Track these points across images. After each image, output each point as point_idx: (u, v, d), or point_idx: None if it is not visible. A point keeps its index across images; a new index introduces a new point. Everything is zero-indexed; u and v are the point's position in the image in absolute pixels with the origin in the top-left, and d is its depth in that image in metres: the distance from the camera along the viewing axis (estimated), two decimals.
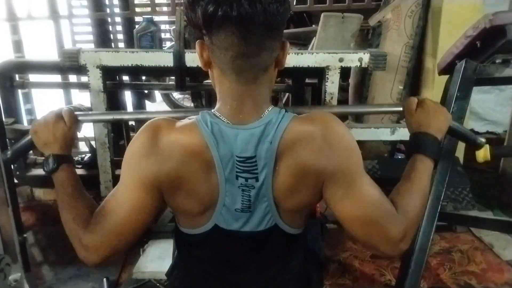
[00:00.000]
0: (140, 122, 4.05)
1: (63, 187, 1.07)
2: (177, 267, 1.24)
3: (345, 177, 0.93)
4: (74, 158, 1.20)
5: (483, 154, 1.43)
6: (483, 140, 1.34)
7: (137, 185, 0.93)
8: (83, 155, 2.86)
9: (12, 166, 1.93)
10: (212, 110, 0.95)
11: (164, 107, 4.60)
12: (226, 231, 1.00)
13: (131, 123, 3.71)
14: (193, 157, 0.91)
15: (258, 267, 1.09)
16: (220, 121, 0.92)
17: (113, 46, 4.16)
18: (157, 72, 2.80)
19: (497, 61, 1.65)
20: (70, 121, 1.17)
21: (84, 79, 2.60)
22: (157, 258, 2.15)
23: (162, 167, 0.91)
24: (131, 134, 3.63)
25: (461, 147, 2.72)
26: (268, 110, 0.94)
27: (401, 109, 1.20)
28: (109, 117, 1.40)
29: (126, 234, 0.96)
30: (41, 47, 5.72)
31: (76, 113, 1.24)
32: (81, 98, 3.28)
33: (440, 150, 1.10)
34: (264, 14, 0.81)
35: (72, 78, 3.43)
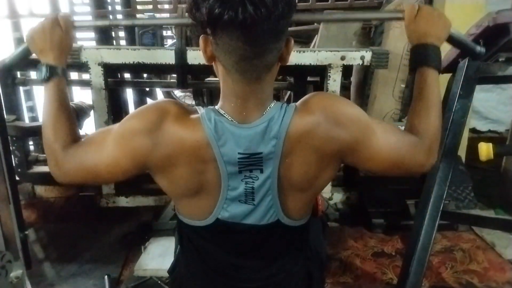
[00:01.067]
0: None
1: (50, 98, 1.07)
2: (178, 264, 1.24)
3: (361, 144, 0.96)
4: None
5: (485, 152, 1.43)
6: (483, 49, 1.32)
7: (126, 153, 0.96)
8: None
9: (13, 163, 1.93)
10: (216, 107, 0.96)
11: None
12: (229, 223, 1.01)
13: None
14: (190, 151, 0.92)
15: (260, 260, 1.10)
16: (224, 119, 0.92)
17: (114, 43, 4.16)
18: (159, 70, 2.80)
19: (500, 59, 1.64)
20: (66, 26, 1.13)
21: (85, 76, 2.60)
22: (158, 256, 2.15)
23: (156, 150, 0.93)
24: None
25: (463, 146, 2.71)
26: (270, 107, 0.94)
27: (401, 15, 1.19)
28: (105, 22, 1.37)
29: (99, 178, 1.04)
30: None
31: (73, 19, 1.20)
32: (83, 96, 3.28)
33: (441, 57, 1.11)
34: (269, 19, 0.80)
35: (74, 75, 3.43)
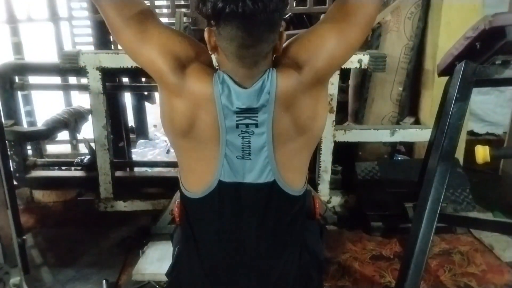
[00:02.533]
0: (139, 123, 4.03)
1: None
2: (177, 267, 1.25)
3: (331, 53, 1.07)
4: (73, 160, 1.21)
5: (482, 155, 1.43)
6: None
7: (162, 46, 1.06)
8: (83, 157, 2.86)
9: (11, 168, 1.93)
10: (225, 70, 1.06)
11: None
12: (230, 185, 1.10)
13: (131, 124, 3.71)
14: (198, 97, 1.04)
15: (259, 226, 1.15)
16: (230, 78, 1.03)
17: (112, 48, 4.16)
18: None
19: (497, 62, 1.65)
20: None
21: (83, 81, 2.61)
22: (157, 260, 2.14)
23: (171, 77, 1.04)
24: (131, 136, 3.63)
25: (461, 149, 2.72)
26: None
27: None
28: None
29: (133, 53, 1.12)
30: (41, 49, 5.72)
31: None
32: (81, 100, 3.28)
33: None
34: (264, 12, 0.92)
35: (72, 80, 3.43)
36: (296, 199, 1.15)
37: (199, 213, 1.17)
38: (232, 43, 0.98)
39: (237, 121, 1.05)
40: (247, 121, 1.05)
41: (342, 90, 2.89)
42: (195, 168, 1.13)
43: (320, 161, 2.56)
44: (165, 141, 4.05)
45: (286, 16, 3.52)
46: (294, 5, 3.17)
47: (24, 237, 1.78)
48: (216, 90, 1.02)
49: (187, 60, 1.06)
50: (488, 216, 2.56)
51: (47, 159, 3.05)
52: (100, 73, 2.28)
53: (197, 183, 1.13)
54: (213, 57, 1.10)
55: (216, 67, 1.09)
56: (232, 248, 1.17)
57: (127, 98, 3.43)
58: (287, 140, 1.09)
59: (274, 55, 1.07)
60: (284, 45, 1.08)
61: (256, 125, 1.05)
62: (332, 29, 1.08)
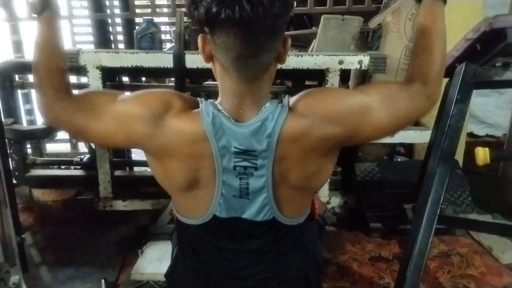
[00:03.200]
0: None
1: (44, 35, 1.05)
2: (175, 268, 1.24)
3: (358, 130, 0.97)
4: (73, 159, 1.21)
5: (482, 156, 1.43)
6: None
7: (121, 132, 0.97)
8: (82, 156, 2.86)
9: (11, 166, 1.92)
10: (216, 102, 0.97)
11: None
12: (225, 220, 1.03)
13: None
14: (188, 144, 0.94)
15: (257, 259, 1.11)
16: (222, 114, 0.94)
17: (113, 47, 4.16)
18: (157, 73, 2.80)
19: (497, 64, 1.65)
20: None
21: (84, 79, 2.60)
22: (156, 260, 2.14)
23: (153, 139, 0.95)
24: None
25: (460, 150, 2.72)
26: (265, 106, 0.96)
27: None
28: None
29: (86, 137, 1.08)
30: None
31: None
32: None
33: None
34: (265, 18, 0.82)
35: (72, 78, 3.42)
36: (298, 227, 1.09)
37: (192, 235, 1.12)
38: (229, 53, 0.87)
39: (234, 162, 0.96)
40: (245, 163, 0.96)
41: None
42: (190, 206, 1.06)
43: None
44: None
45: None
46: (295, 6, 3.16)
47: (23, 235, 1.78)
48: (209, 129, 0.92)
49: (160, 113, 0.94)
50: (487, 218, 2.57)
51: (46, 158, 3.04)
52: (100, 72, 2.28)
53: (190, 215, 1.07)
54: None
55: (203, 102, 0.98)
56: (229, 254, 1.13)
57: None
58: (288, 185, 1.00)
59: (279, 64, 0.97)
60: (315, 90, 1.00)
61: (255, 168, 0.96)
62: (371, 107, 0.97)
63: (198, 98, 0.99)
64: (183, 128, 0.94)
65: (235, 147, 0.94)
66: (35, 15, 1.06)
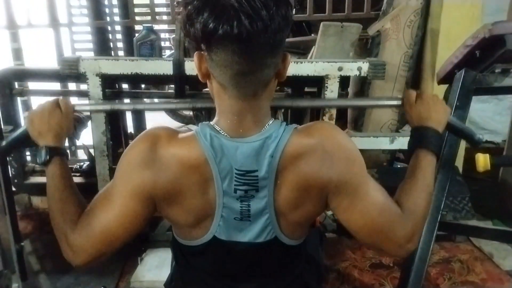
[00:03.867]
0: (138, 130, 4.04)
1: (53, 181, 1.05)
2: (175, 278, 1.23)
3: (349, 188, 0.93)
4: (72, 166, 1.20)
5: (483, 163, 1.43)
6: (482, 137, 1.34)
7: (131, 195, 0.93)
8: (82, 163, 2.85)
9: (10, 173, 1.92)
10: (211, 123, 0.95)
11: (163, 115, 4.60)
12: (225, 242, 0.99)
13: (130, 131, 3.70)
14: (191, 170, 0.91)
15: (257, 278, 1.09)
16: (220, 134, 0.91)
17: (112, 54, 4.16)
18: (157, 81, 2.80)
19: (497, 70, 1.65)
20: (66, 108, 1.16)
21: (83, 87, 2.60)
22: (155, 267, 2.13)
23: (158, 179, 0.91)
24: (130, 142, 3.62)
25: (460, 157, 2.72)
26: (268, 124, 0.93)
27: (400, 102, 1.21)
28: (106, 107, 1.39)
29: (114, 239, 0.96)
30: (41, 55, 5.72)
31: (73, 103, 1.24)
32: None
33: (441, 144, 1.11)
34: (265, 33, 0.79)
35: (72, 86, 3.43)
36: (299, 246, 1.07)
37: (190, 258, 1.10)
38: (227, 70, 0.84)
39: (235, 186, 0.92)
40: (246, 187, 0.92)
41: (342, 97, 2.89)
42: (188, 227, 1.02)
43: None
44: None
45: None
46: (294, 13, 3.18)
47: (22, 243, 1.77)
48: (208, 152, 0.89)
49: (150, 151, 0.91)
50: (487, 224, 2.56)
51: None
52: (100, 79, 2.28)
53: (188, 237, 1.04)
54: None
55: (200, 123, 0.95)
56: (229, 273, 1.11)
57: None
58: (291, 204, 0.96)
59: (278, 81, 0.95)
60: (334, 126, 0.96)
61: (257, 190, 0.93)
62: (370, 190, 0.95)
63: (186, 126, 0.99)
64: (181, 154, 0.90)
65: (236, 169, 0.90)
66: (44, 166, 1.08)
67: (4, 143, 1.32)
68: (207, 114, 2.90)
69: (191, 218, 0.97)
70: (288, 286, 1.15)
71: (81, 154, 3.47)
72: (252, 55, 0.82)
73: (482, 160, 1.46)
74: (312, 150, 0.91)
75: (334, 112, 2.47)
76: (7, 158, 2.07)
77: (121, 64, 2.26)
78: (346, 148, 0.94)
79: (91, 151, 2.63)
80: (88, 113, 2.43)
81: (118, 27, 3.89)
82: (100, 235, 0.95)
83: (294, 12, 3.18)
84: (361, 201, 0.94)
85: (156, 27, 2.86)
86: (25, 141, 1.23)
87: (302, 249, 1.11)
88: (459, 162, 2.73)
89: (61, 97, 1.19)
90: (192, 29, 0.82)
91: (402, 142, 2.61)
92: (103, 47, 3.28)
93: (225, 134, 0.91)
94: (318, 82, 2.40)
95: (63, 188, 1.04)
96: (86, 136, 2.82)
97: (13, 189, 2.42)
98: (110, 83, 2.60)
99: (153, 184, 0.91)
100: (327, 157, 0.91)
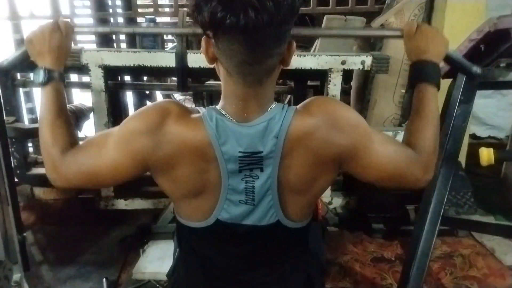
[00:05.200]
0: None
1: (47, 104, 1.07)
2: (177, 268, 1.23)
3: (360, 150, 0.96)
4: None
5: (487, 157, 1.43)
6: (479, 69, 1.34)
7: (126, 154, 0.95)
8: None
9: (12, 164, 1.92)
10: (217, 107, 0.96)
11: None
12: (229, 224, 1.01)
13: None
14: (193, 151, 0.93)
15: (260, 263, 1.10)
16: (225, 118, 0.93)
17: (115, 46, 4.16)
18: (159, 73, 2.80)
19: (501, 65, 1.64)
20: (66, 30, 1.14)
21: (85, 78, 2.60)
22: (157, 259, 2.14)
23: (157, 151, 0.93)
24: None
25: (463, 152, 2.71)
26: (271, 107, 0.95)
27: (400, 34, 1.21)
28: (106, 29, 1.39)
29: (98, 182, 1.03)
30: None
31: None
32: (83, 98, 3.28)
33: (440, 75, 1.12)
34: (271, 25, 0.80)
35: (74, 77, 3.43)
36: (301, 230, 1.09)
37: (194, 237, 1.10)
38: (232, 58, 0.87)
39: (240, 166, 0.94)
40: (251, 166, 0.94)
41: (345, 91, 2.88)
42: (192, 209, 1.04)
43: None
44: None
45: None
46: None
47: (24, 234, 1.77)
48: (213, 135, 0.91)
49: (159, 120, 0.93)
50: (490, 219, 2.57)
51: None
52: (102, 71, 2.27)
53: (192, 219, 1.05)
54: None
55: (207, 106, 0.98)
56: (231, 258, 1.11)
57: (129, 97, 3.43)
58: (294, 186, 0.99)
59: (282, 68, 0.96)
60: (327, 97, 1.00)
61: (261, 169, 0.95)
62: (376, 144, 0.97)
63: (197, 107, 0.99)
64: (186, 135, 0.92)
65: (240, 151, 0.92)
66: (41, 86, 1.09)
67: (4, 62, 1.32)
68: (209, 105, 2.89)
69: (185, 192, 1.00)
70: (291, 273, 1.15)
71: None
72: (257, 46, 0.84)
73: (486, 154, 1.46)
74: (317, 128, 0.93)
75: None
76: (10, 149, 2.06)
77: (124, 56, 2.26)
78: (347, 116, 0.97)
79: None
80: (91, 105, 2.44)
81: (120, 19, 3.87)
82: (87, 174, 0.99)
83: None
84: (374, 157, 0.98)
85: (158, 19, 2.86)
86: (25, 61, 1.24)
87: (304, 234, 1.12)
88: (462, 157, 2.72)
89: (60, 18, 1.17)
90: (200, 17, 0.84)
91: None
92: (105, 38, 3.27)
93: (230, 118, 0.93)
94: (321, 75, 2.39)
95: (56, 113, 1.06)
96: (89, 128, 2.84)
97: (16, 180, 2.43)
98: (112, 75, 2.60)
99: (151, 153, 0.94)
100: (332, 131, 0.93)
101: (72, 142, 1.03)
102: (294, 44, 0.94)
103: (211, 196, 0.99)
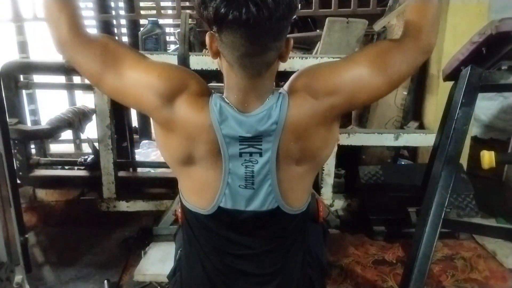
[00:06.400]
0: (143, 124, 4.02)
1: None
2: (179, 269, 1.24)
3: (356, 94, 1.02)
4: (76, 159, 1.20)
5: (488, 160, 1.43)
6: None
7: (136, 93, 1.00)
8: (86, 157, 2.86)
9: (15, 166, 1.93)
10: (223, 96, 1.02)
11: None
12: (230, 211, 1.07)
13: (135, 125, 3.71)
14: (194, 128, 0.99)
15: (261, 248, 1.13)
16: (228, 105, 0.99)
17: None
18: None
19: (503, 67, 1.64)
20: None
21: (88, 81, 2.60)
22: (159, 261, 2.14)
23: (161, 112, 0.99)
24: (134, 136, 3.63)
25: (465, 154, 2.71)
26: (268, 98, 1.01)
27: None
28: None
29: (96, 80, 1.03)
30: (46, 48, 5.73)
31: None
32: (85, 100, 3.29)
33: None
34: (270, 20, 0.87)
35: (77, 79, 3.44)
36: (299, 214, 1.13)
37: (198, 223, 1.14)
38: (235, 51, 0.93)
39: (240, 149, 1.01)
40: (251, 149, 1.01)
41: None
42: (196, 190, 1.10)
43: (323, 165, 2.55)
44: None
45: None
46: (299, 8, 3.16)
47: (26, 235, 1.78)
48: (215, 119, 0.97)
49: (175, 92, 0.99)
50: (491, 222, 2.55)
51: (50, 158, 3.05)
52: None
53: (197, 202, 1.10)
54: (214, 61, 1.08)
55: (212, 91, 1.04)
56: (234, 253, 1.15)
57: None
58: (292, 167, 1.05)
59: (281, 61, 1.02)
60: (307, 68, 1.05)
61: (260, 154, 1.02)
62: (363, 70, 1.01)
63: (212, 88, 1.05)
64: (191, 115, 0.98)
65: (240, 136, 0.98)
66: None
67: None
68: None
69: (174, 155, 1.05)
70: (292, 268, 1.18)
71: (86, 147, 3.49)
72: (258, 39, 0.91)
73: (487, 158, 1.46)
74: (312, 109, 1.00)
75: None
76: (12, 151, 2.07)
77: None
78: (332, 78, 1.02)
79: (96, 144, 2.64)
80: (93, 107, 2.44)
81: (123, 21, 3.89)
82: (91, 72, 1.02)
83: (299, 6, 3.17)
84: (372, 85, 1.02)
85: (161, 21, 2.86)
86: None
87: (303, 219, 1.16)
88: (464, 160, 2.72)
89: None
90: (205, 12, 0.90)
91: (406, 139, 2.60)
92: None
93: (233, 107, 0.99)
94: None
95: None
96: (91, 130, 2.84)
97: (18, 181, 2.44)
98: None
99: (154, 110, 1.00)
100: (324, 100, 1.00)
101: (81, 24, 1.01)
102: (292, 41, 1.00)
103: (213, 180, 1.05)
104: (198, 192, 1.09)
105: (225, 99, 1.00)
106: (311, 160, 1.06)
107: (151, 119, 1.07)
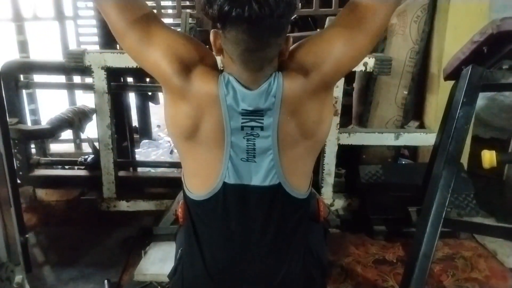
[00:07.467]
0: (143, 123, 4.02)
1: None
2: (179, 268, 1.25)
3: (342, 58, 1.06)
4: (76, 159, 1.21)
5: (489, 159, 1.43)
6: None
7: (162, 56, 1.05)
8: (86, 156, 2.86)
9: (15, 166, 1.93)
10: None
11: None
12: (234, 186, 1.10)
13: (135, 124, 3.71)
14: (202, 97, 1.04)
15: (263, 228, 1.15)
16: (235, 80, 1.03)
17: (118, 47, 4.16)
18: None
19: (504, 67, 1.64)
20: None
21: (88, 80, 2.61)
22: (159, 261, 2.14)
23: (174, 80, 1.04)
24: (135, 136, 3.63)
25: (465, 153, 2.71)
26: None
27: None
28: None
29: (123, 40, 1.10)
30: (46, 47, 5.74)
31: None
32: (86, 99, 3.29)
33: None
34: (271, 17, 0.92)
35: (77, 79, 3.44)
36: (301, 202, 1.16)
37: (203, 214, 1.17)
38: (238, 47, 0.98)
39: (242, 123, 1.05)
40: (253, 123, 1.05)
41: (347, 93, 2.88)
42: (200, 170, 1.13)
43: (324, 164, 2.55)
44: (169, 141, 4.06)
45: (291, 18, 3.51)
46: (300, 7, 3.16)
47: (26, 235, 1.78)
48: (222, 92, 1.02)
49: (191, 62, 1.05)
50: (492, 221, 2.55)
51: (50, 158, 3.05)
52: (105, 73, 2.28)
53: (201, 185, 1.13)
54: (218, 59, 1.11)
55: (221, 69, 1.09)
56: (236, 250, 1.17)
57: (131, 98, 3.43)
58: (293, 144, 1.09)
59: (280, 59, 1.06)
60: (291, 48, 1.08)
61: (262, 128, 1.06)
62: (340, 34, 1.06)
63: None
64: (202, 85, 1.03)
65: (243, 109, 1.03)
66: None
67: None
68: None
69: (179, 126, 1.09)
70: (293, 271, 1.19)
71: (86, 147, 3.49)
72: (259, 35, 0.96)
73: (488, 157, 1.46)
74: (305, 80, 1.04)
75: (339, 107, 2.47)
76: (12, 151, 2.07)
77: (126, 58, 2.25)
78: (297, 45, 1.09)
79: (96, 144, 2.64)
80: (94, 106, 2.44)
81: None
82: (118, 27, 1.08)
83: (300, 6, 3.17)
84: (345, 38, 1.06)
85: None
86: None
87: (305, 206, 1.20)
88: (464, 159, 2.71)
89: None
90: (210, 10, 0.95)
91: (407, 139, 2.60)
92: (108, 40, 3.27)
93: (239, 82, 1.03)
94: None
95: None
96: (91, 129, 2.84)
97: (18, 181, 2.44)
98: (115, 77, 2.61)
99: (168, 76, 1.05)
100: (316, 70, 1.04)
101: None
102: (291, 39, 1.05)
103: (215, 155, 1.09)
104: (203, 173, 1.12)
105: (233, 75, 1.04)
106: (309, 137, 1.09)
107: (163, 88, 1.12)
